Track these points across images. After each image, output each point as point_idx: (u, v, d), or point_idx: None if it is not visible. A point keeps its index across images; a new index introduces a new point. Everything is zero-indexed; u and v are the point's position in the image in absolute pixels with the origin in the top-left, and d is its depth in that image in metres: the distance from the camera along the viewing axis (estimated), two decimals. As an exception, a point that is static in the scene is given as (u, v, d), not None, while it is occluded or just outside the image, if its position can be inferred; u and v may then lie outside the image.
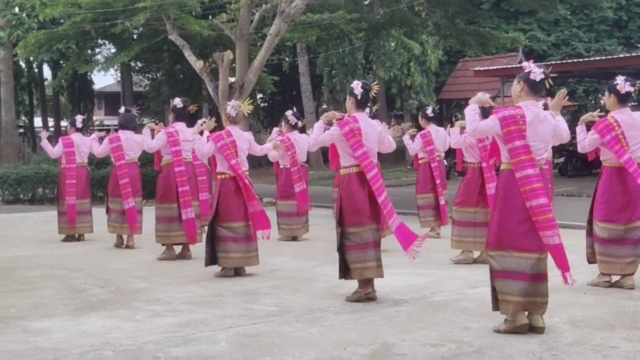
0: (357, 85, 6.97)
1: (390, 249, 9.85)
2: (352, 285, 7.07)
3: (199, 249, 9.99)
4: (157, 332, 5.88)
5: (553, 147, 17.54)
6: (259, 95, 42.19)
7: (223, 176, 8.29)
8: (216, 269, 8.41)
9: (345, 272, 6.93)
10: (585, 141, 7.27)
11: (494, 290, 5.66)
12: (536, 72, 5.60)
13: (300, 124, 11.67)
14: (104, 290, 7.72)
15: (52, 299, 7.31)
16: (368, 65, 33.98)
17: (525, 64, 5.72)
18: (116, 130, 11.11)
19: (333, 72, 34.04)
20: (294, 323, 6.14)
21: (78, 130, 11.75)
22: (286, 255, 9.99)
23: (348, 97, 7.04)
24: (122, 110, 10.90)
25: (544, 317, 5.67)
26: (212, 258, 8.33)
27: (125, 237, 10.91)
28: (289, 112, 11.62)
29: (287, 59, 35.12)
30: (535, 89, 5.63)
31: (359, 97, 6.96)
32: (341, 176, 7.00)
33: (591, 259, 7.57)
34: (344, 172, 6.93)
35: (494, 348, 5.26)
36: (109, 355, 5.29)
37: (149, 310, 6.73)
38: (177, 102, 9.68)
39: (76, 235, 11.82)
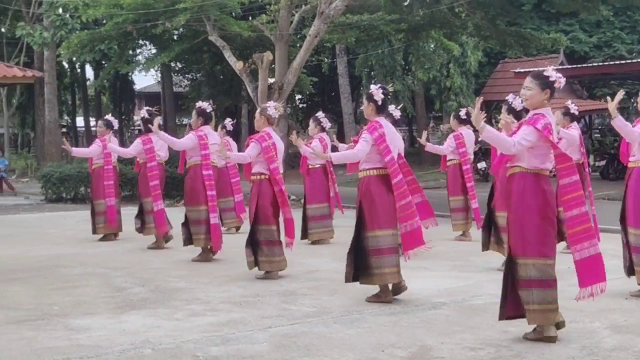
0: (377, 91, 6.89)
1: (428, 253, 9.83)
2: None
3: (234, 248, 10.03)
4: (197, 331, 5.93)
5: (595, 150, 17.48)
6: (298, 96, 42.28)
7: (261, 177, 8.22)
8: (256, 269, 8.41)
9: (367, 277, 6.90)
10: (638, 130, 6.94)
11: (508, 297, 5.50)
12: (560, 80, 5.50)
13: (328, 126, 11.71)
14: (144, 289, 7.80)
15: (93, 297, 7.40)
16: (407, 67, 33.85)
17: (548, 71, 5.58)
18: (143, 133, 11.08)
19: (372, 73, 33.98)
20: (332, 324, 6.14)
21: (113, 131, 11.88)
22: (324, 256, 10.00)
23: (367, 102, 6.97)
24: (143, 113, 10.76)
25: (586, 321, 5.61)
26: (255, 261, 8.33)
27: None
28: (320, 114, 11.62)
29: (326, 60, 35.15)
30: (554, 94, 5.57)
31: (379, 102, 6.91)
32: (360, 179, 6.99)
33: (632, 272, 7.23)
34: (363, 174, 6.94)
35: (534, 352, 5.22)
36: (148, 353, 5.34)
37: (189, 309, 6.78)
38: (205, 105, 9.70)
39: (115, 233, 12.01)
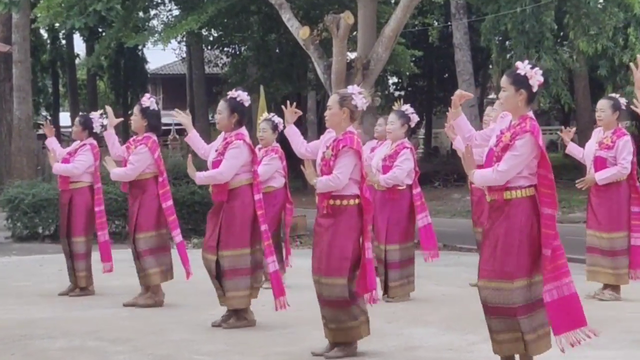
0: (534, 73, 7.06)
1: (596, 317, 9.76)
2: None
3: (293, 311, 10.07)
4: None
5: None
6: (392, 80, 42.35)
7: (352, 202, 8.29)
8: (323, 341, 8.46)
9: None
10: None
11: None
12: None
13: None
14: (159, 372, 7.91)
15: (82, 383, 7.52)
16: (562, 33, 33.57)
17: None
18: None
19: (507, 43, 33.76)
20: None
21: (93, 134, 12.39)
22: (431, 324, 10.00)
23: (515, 89, 7.13)
24: (150, 102, 11.36)
25: None
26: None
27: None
28: (408, 107, 11.68)
29: (435, 24, 35.11)
30: None
31: (534, 88, 7.10)
32: (506, 202, 7.09)
33: None
34: (518, 194, 7.07)
35: None
36: None
37: (225, 403, 6.85)
38: (244, 96, 9.85)
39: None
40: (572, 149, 11.68)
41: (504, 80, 7.17)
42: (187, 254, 11.34)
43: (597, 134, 11.53)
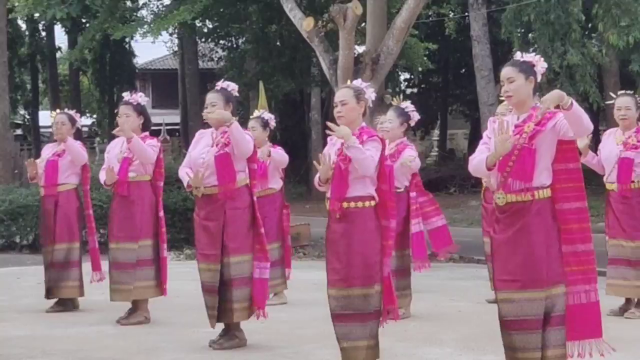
0: (539, 59, 7.37)
1: None
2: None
3: (298, 328, 10.05)
4: None
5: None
6: (404, 76, 42.30)
7: (367, 203, 8.19)
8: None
9: None
10: None
11: None
12: None
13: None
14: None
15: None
16: (590, 25, 33.55)
17: None
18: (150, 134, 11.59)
19: (529, 36, 33.75)
20: None
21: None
22: (447, 344, 9.98)
23: (524, 76, 7.29)
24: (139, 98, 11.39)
25: None
26: None
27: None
28: (408, 104, 11.62)
29: (451, 15, 35.06)
30: None
31: (539, 76, 7.35)
32: (531, 203, 7.14)
33: None
34: (542, 195, 7.17)
35: None
36: None
37: None
38: (234, 86, 10.00)
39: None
40: (589, 157, 11.61)
41: (510, 71, 7.28)
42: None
43: (611, 135, 11.58)
